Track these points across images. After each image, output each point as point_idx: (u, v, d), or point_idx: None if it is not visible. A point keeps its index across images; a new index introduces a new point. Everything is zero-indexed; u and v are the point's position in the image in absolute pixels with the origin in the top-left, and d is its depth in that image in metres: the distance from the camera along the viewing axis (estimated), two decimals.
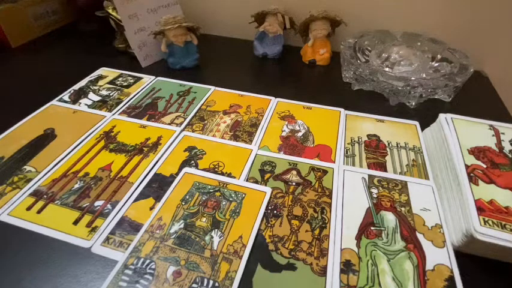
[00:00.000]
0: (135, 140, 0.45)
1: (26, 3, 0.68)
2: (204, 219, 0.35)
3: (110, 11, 0.63)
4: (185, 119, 0.49)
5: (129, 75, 0.60)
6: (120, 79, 0.58)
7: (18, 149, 0.43)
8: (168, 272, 0.30)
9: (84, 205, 0.36)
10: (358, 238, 0.34)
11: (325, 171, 0.41)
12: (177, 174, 0.40)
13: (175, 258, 0.31)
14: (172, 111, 0.51)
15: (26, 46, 0.69)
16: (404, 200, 0.37)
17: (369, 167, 0.42)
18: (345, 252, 0.32)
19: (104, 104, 0.52)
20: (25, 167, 0.40)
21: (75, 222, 0.35)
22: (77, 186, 0.38)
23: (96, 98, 0.53)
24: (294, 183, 0.40)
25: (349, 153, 0.44)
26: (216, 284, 0.29)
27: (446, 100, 0.55)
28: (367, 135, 0.47)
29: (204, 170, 0.41)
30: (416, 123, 0.49)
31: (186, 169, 0.41)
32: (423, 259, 0.32)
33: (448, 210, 0.36)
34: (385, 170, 0.41)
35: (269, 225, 0.35)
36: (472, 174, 0.35)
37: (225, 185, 0.39)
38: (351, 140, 0.46)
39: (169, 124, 0.48)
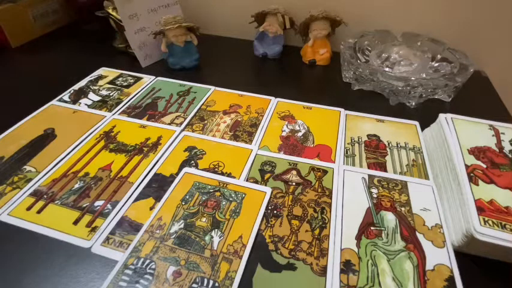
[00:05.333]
0: (135, 140, 0.45)
1: (26, 3, 0.68)
2: (204, 219, 0.35)
3: (110, 11, 0.63)
4: (185, 119, 0.49)
5: (129, 75, 0.60)
6: (120, 79, 0.58)
7: (18, 149, 0.43)
8: (168, 272, 0.30)
9: (84, 205, 0.36)
10: (358, 238, 0.34)
11: (325, 171, 0.41)
12: (177, 174, 0.40)
13: (175, 258, 0.31)
14: (172, 111, 0.51)
15: (26, 46, 0.69)
16: (404, 200, 0.37)
17: (369, 167, 0.42)
18: (345, 252, 0.32)
19: (104, 104, 0.52)
20: (25, 167, 0.40)
21: (75, 222, 0.35)
22: (77, 186, 0.38)
23: (96, 98, 0.53)
24: (294, 183, 0.40)
25: (349, 153, 0.44)
26: (216, 284, 0.29)
27: (446, 100, 0.55)
28: (367, 135, 0.47)
29: (204, 170, 0.41)
30: (416, 123, 0.49)
31: (186, 169, 0.41)
32: (423, 259, 0.32)
33: (448, 210, 0.36)
34: (385, 170, 0.41)
35: (269, 225, 0.35)
36: (472, 174, 0.35)
37: (225, 185, 0.39)
38: (351, 140, 0.46)
39: (169, 124, 0.48)
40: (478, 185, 0.34)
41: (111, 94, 0.54)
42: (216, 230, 0.34)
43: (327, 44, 0.65)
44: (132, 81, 0.58)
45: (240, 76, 0.62)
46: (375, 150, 0.44)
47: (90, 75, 0.59)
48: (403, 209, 0.36)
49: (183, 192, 0.38)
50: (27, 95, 0.54)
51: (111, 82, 0.57)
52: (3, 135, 0.45)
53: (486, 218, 0.31)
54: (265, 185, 0.39)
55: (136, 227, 0.34)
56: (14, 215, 0.35)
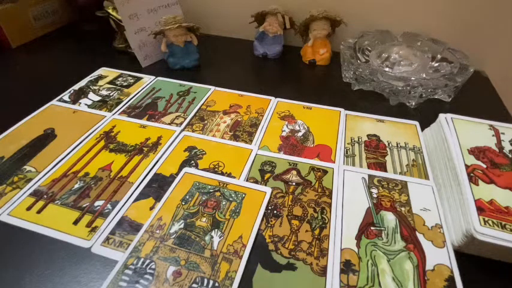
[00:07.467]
0: (135, 140, 0.45)
1: (26, 3, 0.68)
2: (204, 219, 0.35)
3: (110, 11, 0.63)
4: (185, 119, 0.49)
5: (129, 75, 0.60)
6: (120, 79, 0.58)
7: (18, 149, 0.43)
8: (168, 272, 0.30)
9: (84, 205, 0.36)
10: (358, 238, 0.34)
11: (325, 171, 0.41)
12: (177, 174, 0.40)
13: (175, 258, 0.31)
14: (172, 111, 0.51)
15: (26, 46, 0.69)
16: (404, 200, 0.37)
17: (369, 167, 0.42)
18: (345, 252, 0.32)
19: (104, 104, 0.52)
20: (25, 167, 0.40)
21: (75, 222, 0.35)
22: (77, 186, 0.38)
23: (96, 98, 0.53)
24: (294, 183, 0.40)
25: (349, 153, 0.44)
26: (216, 284, 0.29)
27: (446, 100, 0.55)
28: (367, 135, 0.47)
29: (204, 170, 0.41)
30: (416, 123, 0.49)
31: (186, 169, 0.41)
32: (423, 259, 0.32)
33: (448, 210, 0.36)
34: (385, 170, 0.41)
35: (269, 225, 0.35)
36: (472, 174, 0.35)
37: (225, 185, 0.39)
38: (351, 140, 0.46)
39: (169, 124, 0.48)
40: (478, 185, 0.34)
41: (111, 94, 0.54)
42: (216, 230, 0.34)
43: (327, 44, 0.65)
44: (132, 81, 0.58)
45: (240, 76, 0.62)
46: (375, 150, 0.44)
47: (90, 75, 0.59)
48: (403, 209, 0.36)
49: (183, 192, 0.38)
50: (27, 95, 0.54)
51: (111, 82, 0.57)
52: (3, 135, 0.45)
53: (486, 218, 0.31)
54: (265, 185, 0.39)
55: (136, 227, 0.34)
56: (14, 215, 0.35)
